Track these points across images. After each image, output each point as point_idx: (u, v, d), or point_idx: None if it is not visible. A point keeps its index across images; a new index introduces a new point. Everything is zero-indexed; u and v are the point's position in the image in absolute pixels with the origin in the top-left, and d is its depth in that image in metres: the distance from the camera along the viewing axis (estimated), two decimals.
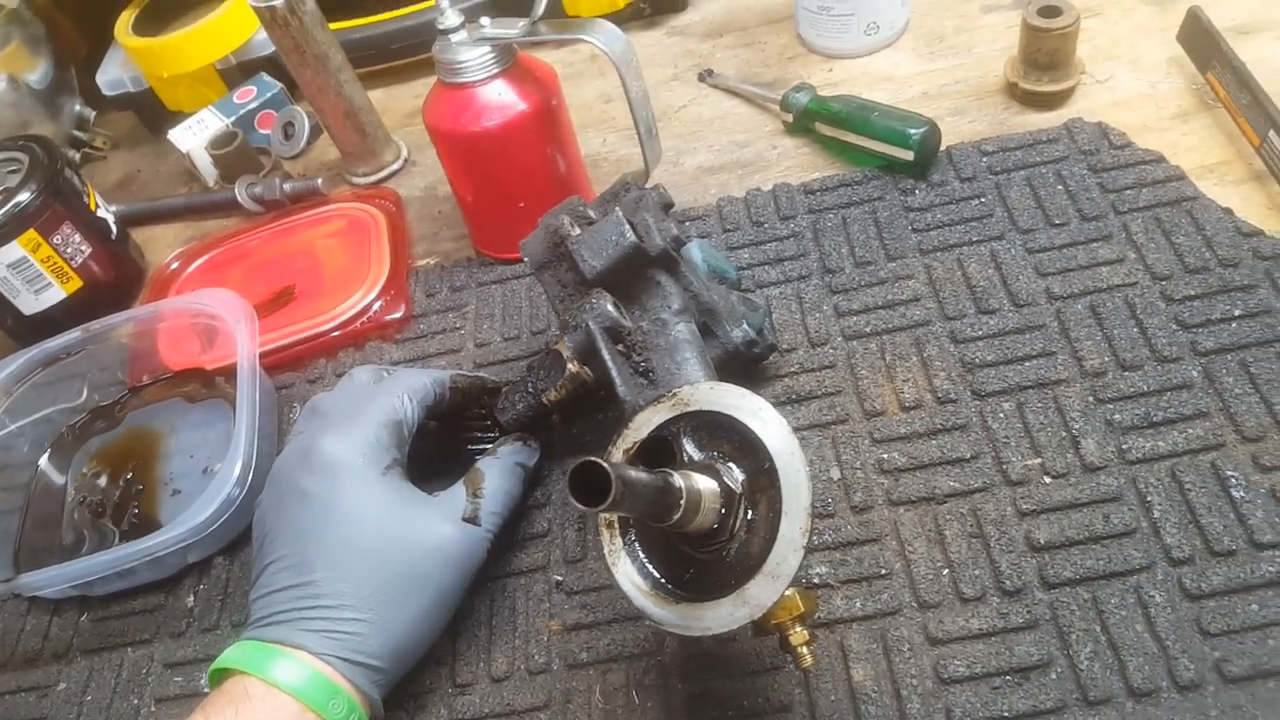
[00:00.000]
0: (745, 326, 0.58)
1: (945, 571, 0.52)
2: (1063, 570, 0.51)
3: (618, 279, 0.57)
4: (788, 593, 0.44)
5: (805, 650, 0.45)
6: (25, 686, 0.61)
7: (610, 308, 0.55)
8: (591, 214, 0.61)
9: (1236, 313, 0.59)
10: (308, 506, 0.52)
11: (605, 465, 0.35)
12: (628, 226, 0.55)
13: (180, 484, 0.67)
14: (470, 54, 0.65)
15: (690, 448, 0.47)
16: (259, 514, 0.54)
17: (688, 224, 0.74)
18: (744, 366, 0.60)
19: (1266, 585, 0.48)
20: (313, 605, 0.49)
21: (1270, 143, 0.65)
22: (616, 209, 0.56)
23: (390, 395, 0.56)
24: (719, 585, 0.44)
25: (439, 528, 0.53)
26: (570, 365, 0.56)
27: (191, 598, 0.62)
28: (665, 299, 0.57)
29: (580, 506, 0.35)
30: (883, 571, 0.53)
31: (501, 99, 0.66)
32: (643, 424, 0.47)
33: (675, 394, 0.47)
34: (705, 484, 0.43)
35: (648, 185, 0.68)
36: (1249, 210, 0.64)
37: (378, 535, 0.51)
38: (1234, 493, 0.52)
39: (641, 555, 0.46)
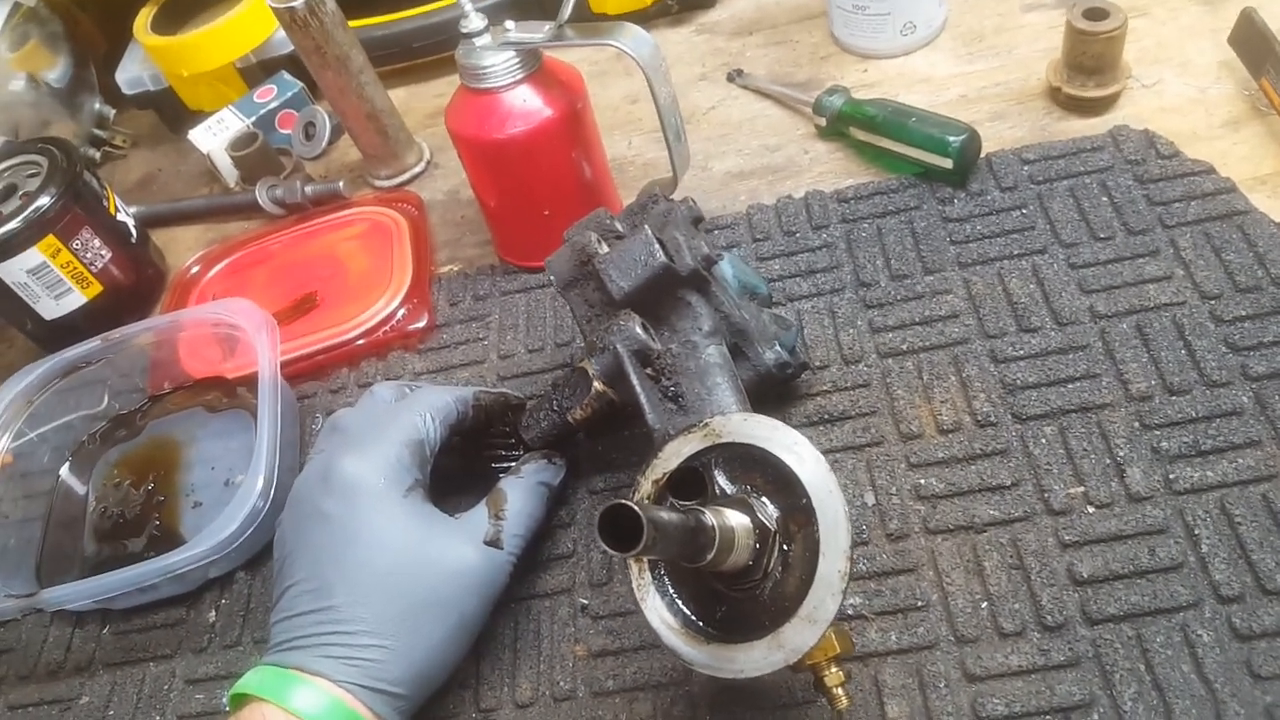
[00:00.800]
0: (778, 348, 0.56)
1: (984, 604, 0.51)
2: (1106, 606, 0.49)
3: (646, 299, 0.55)
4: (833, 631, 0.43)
5: (840, 691, 0.43)
6: (48, 699, 0.61)
7: (639, 330, 0.54)
8: (619, 227, 0.60)
9: None
10: (328, 528, 0.51)
11: (637, 509, 0.34)
12: (657, 245, 0.54)
13: (201, 495, 0.66)
14: (495, 59, 0.64)
15: (722, 480, 0.46)
16: (279, 534, 0.54)
17: (716, 232, 0.72)
18: (775, 386, 0.59)
19: None
20: (333, 631, 0.49)
21: None
22: (646, 226, 0.54)
23: (412, 414, 0.55)
24: (753, 625, 0.43)
25: (460, 551, 0.52)
26: (596, 384, 0.55)
27: (213, 613, 0.62)
28: (696, 320, 0.56)
29: (611, 551, 0.34)
30: (919, 603, 0.51)
31: (526, 105, 0.65)
32: (672, 454, 0.46)
33: (707, 424, 0.46)
34: (738, 520, 0.42)
35: (676, 194, 0.66)
36: None
37: (398, 559, 0.50)
38: None
39: (671, 591, 0.45)
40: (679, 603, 0.45)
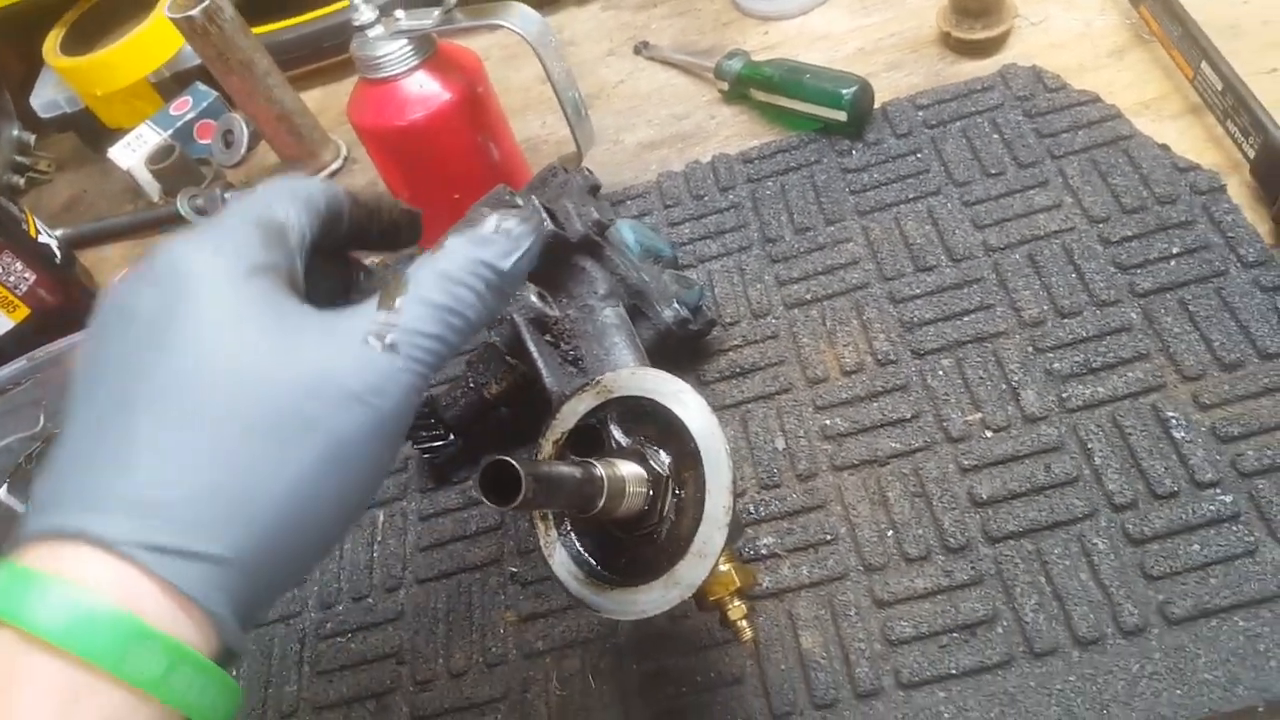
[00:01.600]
0: (676, 305, 0.57)
1: (890, 533, 0.52)
2: (1006, 524, 0.51)
3: (540, 268, 0.56)
4: (723, 568, 0.44)
5: (744, 624, 0.45)
6: None
7: (534, 298, 0.55)
8: (519, 201, 0.61)
9: (1174, 250, 0.58)
10: (132, 331, 0.33)
11: (514, 464, 0.35)
12: (544, 216, 0.55)
13: None
14: (388, 48, 0.64)
15: (618, 434, 0.47)
16: (73, 371, 0.36)
17: (629, 202, 0.73)
18: (684, 344, 0.60)
19: (1208, 524, 0.48)
20: (121, 471, 0.30)
21: (1203, 74, 0.64)
22: (533, 197, 0.55)
23: (263, 195, 0.37)
24: (652, 568, 0.44)
25: (327, 351, 0.34)
26: (508, 357, 0.56)
27: None
28: (591, 284, 0.57)
29: (493, 506, 0.35)
30: (828, 537, 0.53)
31: (424, 90, 0.65)
32: (570, 414, 0.47)
33: (599, 381, 0.47)
34: (629, 470, 0.43)
35: (583, 167, 0.67)
36: (1186, 144, 0.64)
37: (233, 362, 0.32)
38: (1175, 433, 0.51)
39: (577, 544, 0.46)
40: (584, 554, 0.46)
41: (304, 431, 0.32)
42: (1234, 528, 0.48)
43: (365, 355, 0.34)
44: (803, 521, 0.54)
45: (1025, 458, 0.53)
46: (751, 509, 0.55)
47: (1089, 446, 0.52)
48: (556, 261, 0.55)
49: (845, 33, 0.79)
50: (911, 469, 0.54)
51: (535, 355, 0.53)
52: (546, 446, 0.47)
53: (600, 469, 0.41)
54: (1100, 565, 0.48)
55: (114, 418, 0.31)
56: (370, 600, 0.59)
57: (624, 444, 0.47)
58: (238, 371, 0.32)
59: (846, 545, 0.52)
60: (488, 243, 0.37)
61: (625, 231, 0.60)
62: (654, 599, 0.43)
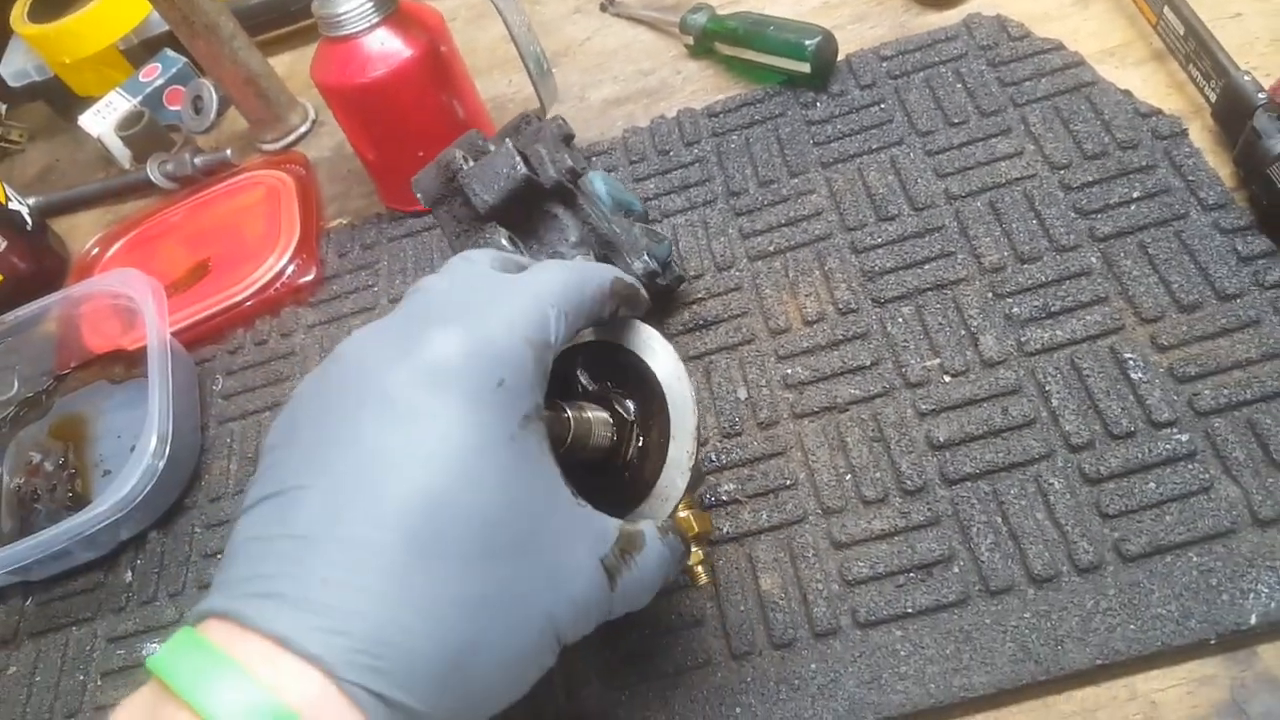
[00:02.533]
0: (646, 258, 0.56)
1: (848, 477, 0.52)
2: (963, 466, 0.50)
3: (512, 213, 0.55)
4: (682, 514, 0.44)
5: (700, 569, 0.44)
6: None
7: (504, 242, 0.54)
8: (491, 147, 0.60)
9: (1135, 195, 0.57)
10: (386, 415, 0.30)
11: None
12: (519, 158, 0.53)
13: (111, 464, 0.66)
14: (348, 5, 0.63)
15: (585, 379, 0.46)
16: (270, 433, 0.34)
17: (594, 159, 0.72)
18: (652, 298, 0.59)
19: (1163, 463, 0.48)
20: (312, 567, 0.28)
21: (1166, 19, 0.63)
22: (507, 141, 0.54)
23: (540, 301, 0.35)
24: (615, 509, 0.43)
25: (576, 548, 0.34)
26: None
27: (129, 573, 0.62)
28: (563, 232, 0.56)
29: None
30: (788, 483, 0.52)
31: (385, 47, 0.64)
32: None
33: None
34: (595, 414, 0.43)
35: (556, 116, 0.66)
36: (1149, 90, 0.62)
37: (487, 500, 0.31)
38: (1132, 374, 0.51)
39: None
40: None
41: (530, 599, 0.31)
42: (1189, 466, 0.48)
43: (598, 575, 0.34)
44: (763, 468, 0.53)
45: (983, 401, 0.52)
46: (714, 457, 0.54)
47: (1047, 389, 0.52)
48: (528, 208, 0.54)
49: None
50: (870, 415, 0.53)
51: None
52: None
53: (568, 410, 0.41)
54: (1056, 505, 0.48)
55: (336, 502, 0.29)
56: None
57: (591, 388, 0.46)
58: (486, 508, 0.30)
59: (805, 490, 0.52)
60: (672, 545, 0.39)
61: (597, 183, 0.59)
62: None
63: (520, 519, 0.31)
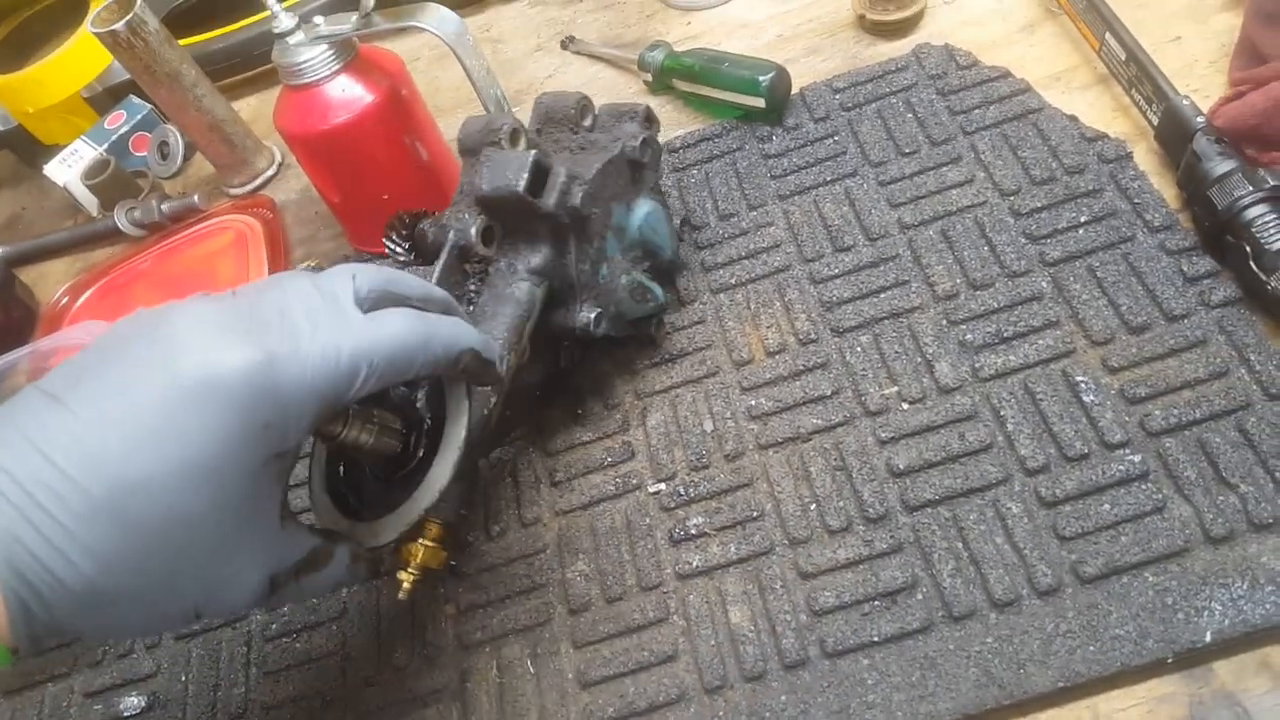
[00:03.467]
0: (586, 313, 0.55)
1: (813, 506, 0.52)
2: (923, 492, 0.51)
3: (504, 209, 0.54)
4: (422, 541, 0.48)
5: (407, 585, 0.48)
6: None
7: (473, 232, 0.53)
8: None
9: (1083, 219, 0.58)
10: (161, 393, 0.34)
11: None
12: (527, 175, 0.51)
13: None
14: (309, 54, 0.63)
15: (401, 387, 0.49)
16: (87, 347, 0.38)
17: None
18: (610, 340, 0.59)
19: (1117, 484, 0.48)
20: (36, 483, 0.33)
21: (1108, 44, 0.64)
22: (533, 151, 0.52)
23: (351, 352, 0.37)
24: (386, 508, 0.46)
25: (256, 564, 0.38)
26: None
27: None
28: (530, 252, 0.54)
29: None
30: (754, 514, 0.52)
31: (346, 94, 0.64)
32: None
33: None
34: (385, 419, 0.45)
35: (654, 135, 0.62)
36: (1095, 115, 0.64)
37: (190, 508, 0.34)
38: (1084, 397, 0.51)
39: (339, 473, 0.48)
40: (341, 485, 0.48)
41: (166, 602, 0.36)
42: (1143, 486, 0.48)
43: (255, 590, 0.39)
44: (730, 500, 0.53)
45: (940, 428, 0.53)
46: (681, 490, 0.54)
47: (1002, 414, 0.52)
48: (520, 214, 0.53)
49: (764, 20, 0.78)
50: (832, 444, 0.54)
51: (435, 274, 0.53)
52: None
53: (351, 410, 0.43)
54: (1014, 529, 0.48)
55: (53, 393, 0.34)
56: (314, 600, 0.58)
57: (399, 397, 0.48)
58: (161, 477, 0.34)
59: (772, 521, 0.52)
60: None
61: (637, 213, 0.58)
62: (358, 538, 0.45)
63: (209, 535, 0.35)
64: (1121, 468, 0.49)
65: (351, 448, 0.44)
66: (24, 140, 0.91)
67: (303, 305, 0.38)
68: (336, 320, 0.38)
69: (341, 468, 0.49)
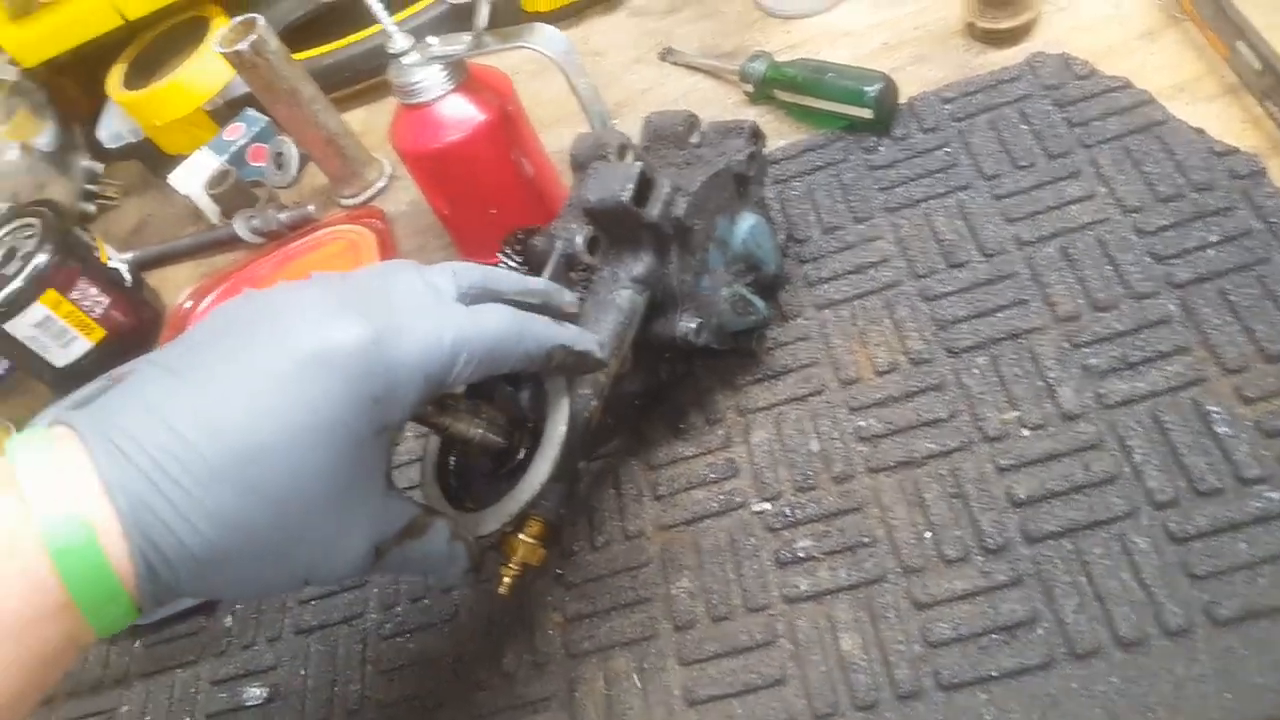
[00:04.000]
0: (686, 322, 0.54)
1: (928, 535, 0.50)
2: (1045, 524, 0.48)
3: (610, 219, 0.53)
4: (521, 536, 0.48)
5: (507, 580, 0.48)
6: (92, 712, 0.63)
7: (579, 241, 0.53)
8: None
9: (1213, 239, 0.54)
10: (275, 365, 0.35)
11: None
12: (632, 186, 0.50)
13: None
14: (423, 74, 0.63)
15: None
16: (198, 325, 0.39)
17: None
18: (701, 354, 0.57)
19: (1254, 522, 0.45)
20: (160, 449, 0.33)
21: (1239, 52, 0.59)
22: (640, 164, 0.51)
23: (453, 339, 0.38)
24: (490, 497, 0.47)
25: (363, 533, 0.39)
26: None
27: (229, 619, 0.63)
28: (633, 262, 0.53)
29: None
30: (865, 540, 0.51)
31: (459, 113, 0.64)
32: None
33: None
34: (492, 414, 0.46)
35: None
36: (1223, 127, 0.59)
37: (308, 475, 0.35)
38: (1217, 429, 0.48)
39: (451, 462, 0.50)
40: (452, 473, 0.49)
41: (278, 567, 0.37)
42: None
43: (360, 558, 0.39)
44: (839, 524, 0.52)
45: (1063, 456, 0.50)
46: (788, 511, 0.53)
47: (1128, 444, 0.49)
48: (624, 223, 0.53)
49: (868, 28, 0.75)
50: (949, 469, 0.51)
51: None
52: None
53: (461, 404, 0.45)
54: (1142, 565, 0.46)
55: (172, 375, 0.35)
56: (427, 601, 0.58)
57: (507, 396, 0.49)
58: (285, 451, 0.34)
59: (884, 548, 0.50)
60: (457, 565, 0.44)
61: (741, 226, 0.57)
62: (467, 523, 0.46)
63: (322, 500, 0.36)
64: (1259, 505, 0.45)
65: (460, 440, 0.46)
66: (150, 151, 0.95)
67: (409, 292, 0.39)
68: (439, 309, 0.39)
69: (452, 460, 0.50)
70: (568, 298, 0.49)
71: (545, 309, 0.46)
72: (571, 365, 0.46)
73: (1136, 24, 0.67)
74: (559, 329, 0.45)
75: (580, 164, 0.57)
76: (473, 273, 0.43)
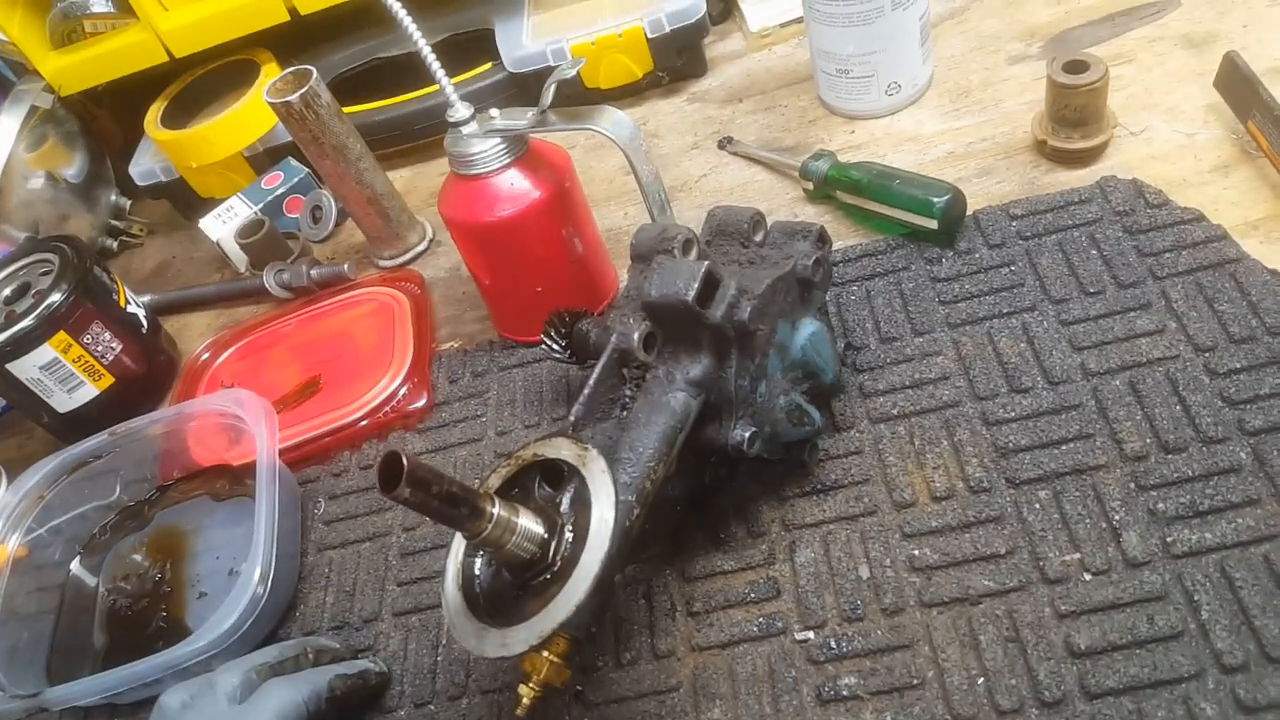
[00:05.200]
0: (741, 431, 0.54)
1: (980, 680, 0.50)
2: (1105, 679, 0.48)
3: (668, 316, 0.55)
4: (546, 655, 0.47)
5: (525, 700, 0.47)
6: None
7: (635, 338, 0.54)
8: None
9: None
10: None
11: (403, 455, 0.40)
12: (697, 285, 0.52)
13: (206, 585, 0.68)
14: (482, 146, 0.66)
15: (546, 489, 0.50)
16: None
17: None
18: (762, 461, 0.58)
19: None
20: None
21: None
22: (706, 263, 0.53)
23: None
24: (512, 619, 0.46)
25: None
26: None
27: None
28: (691, 363, 0.54)
29: (380, 490, 0.40)
30: (914, 681, 0.51)
31: (514, 188, 0.66)
32: (546, 448, 0.50)
33: (586, 448, 0.49)
34: (526, 522, 0.46)
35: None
36: None
37: None
38: None
39: (476, 568, 0.50)
40: (476, 580, 0.49)
41: None
42: None
43: None
44: (887, 661, 0.52)
45: (1126, 606, 0.50)
46: (833, 643, 0.53)
47: (1195, 599, 0.49)
48: (684, 322, 0.54)
49: (935, 134, 0.79)
50: (1005, 610, 0.52)
51: (594, 378, 0.55)
52: (494, 480, 0.51)
53: (497, 506, 0.45)
54: None
55: None
56: (433, 707, 0.58)
57: (543, 498, 0.49)
58: None
59: (934, 691, 0.50)
60: None
61: (802, 332, 0.58)
62: (485, 644, 0.46)
63: None
64: None
65: (492, 547, 0.45)
66: (183, 192, 0.97)
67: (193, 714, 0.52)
68: (227, 716, 0.51)
69: (478, 564, 0.50)
70: (323, 641, 0.59)
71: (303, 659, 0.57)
72: (354, 687, 0.56)
73: (1210, 156, 0.69)
74: (321, 670, 0.55)
75: (641, 255, 0.59)
76: (233, 672, 0.53)
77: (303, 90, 0.76)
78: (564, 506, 0.49)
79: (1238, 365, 0.57)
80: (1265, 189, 0.66)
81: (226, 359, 0.83)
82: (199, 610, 0.66)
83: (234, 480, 0.72)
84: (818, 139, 0.82)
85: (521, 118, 0.65)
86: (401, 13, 0.63)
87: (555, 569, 0.47)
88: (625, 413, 0.55)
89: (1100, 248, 0.66)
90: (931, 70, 0.82)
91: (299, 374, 0.78)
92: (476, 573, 0.50)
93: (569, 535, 0.47)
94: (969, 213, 0.70)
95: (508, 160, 0.66)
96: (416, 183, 0.93)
